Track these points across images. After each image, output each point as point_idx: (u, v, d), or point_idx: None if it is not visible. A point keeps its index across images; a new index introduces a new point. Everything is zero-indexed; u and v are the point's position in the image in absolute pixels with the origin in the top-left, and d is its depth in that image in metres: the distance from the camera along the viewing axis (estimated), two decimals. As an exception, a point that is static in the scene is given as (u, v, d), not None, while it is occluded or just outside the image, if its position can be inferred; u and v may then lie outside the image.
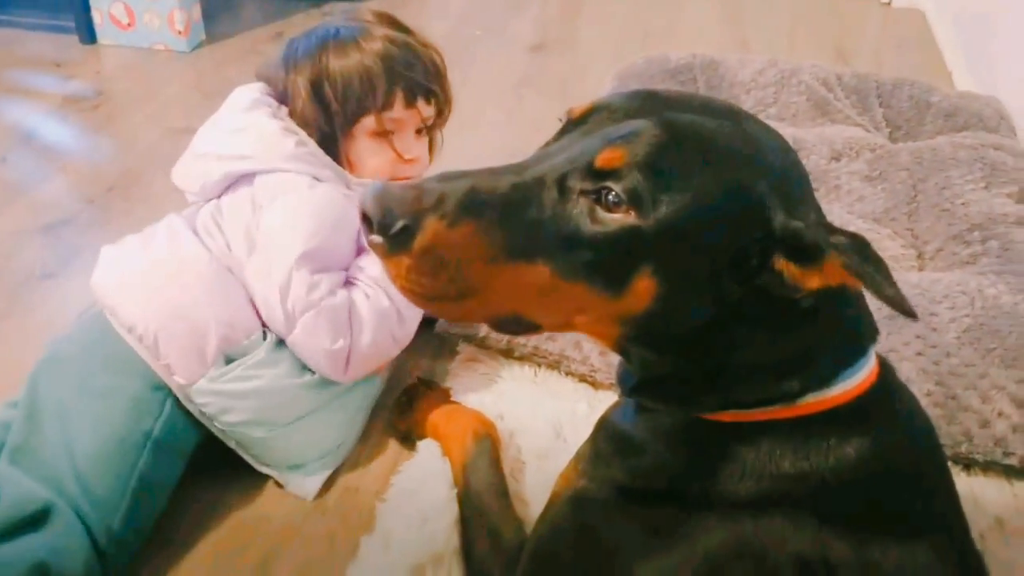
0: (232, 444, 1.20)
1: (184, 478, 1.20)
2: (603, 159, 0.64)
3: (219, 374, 1.16)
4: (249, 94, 1.30)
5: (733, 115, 0.72)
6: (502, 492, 1.11)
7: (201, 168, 1.27)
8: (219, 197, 1.26)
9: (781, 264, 0.66)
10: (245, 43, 2.74)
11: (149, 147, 2.17)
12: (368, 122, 1.26)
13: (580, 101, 0.74)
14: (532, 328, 0.71)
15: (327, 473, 1.24)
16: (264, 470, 1.22)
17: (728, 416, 0.74)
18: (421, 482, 1.16)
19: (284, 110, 1.28)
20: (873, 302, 0.69)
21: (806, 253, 0.65)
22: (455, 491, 1.13)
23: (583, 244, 0.64)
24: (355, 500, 1.24)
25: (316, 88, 1.25)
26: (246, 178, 1.23)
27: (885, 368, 0.77)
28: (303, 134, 1.25)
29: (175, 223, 1.26)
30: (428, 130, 1.35)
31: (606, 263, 0.65)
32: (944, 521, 0.76)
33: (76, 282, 1.65)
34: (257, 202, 1.21)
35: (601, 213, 0.64)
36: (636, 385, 0.79)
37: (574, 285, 0.66)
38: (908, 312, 0.61)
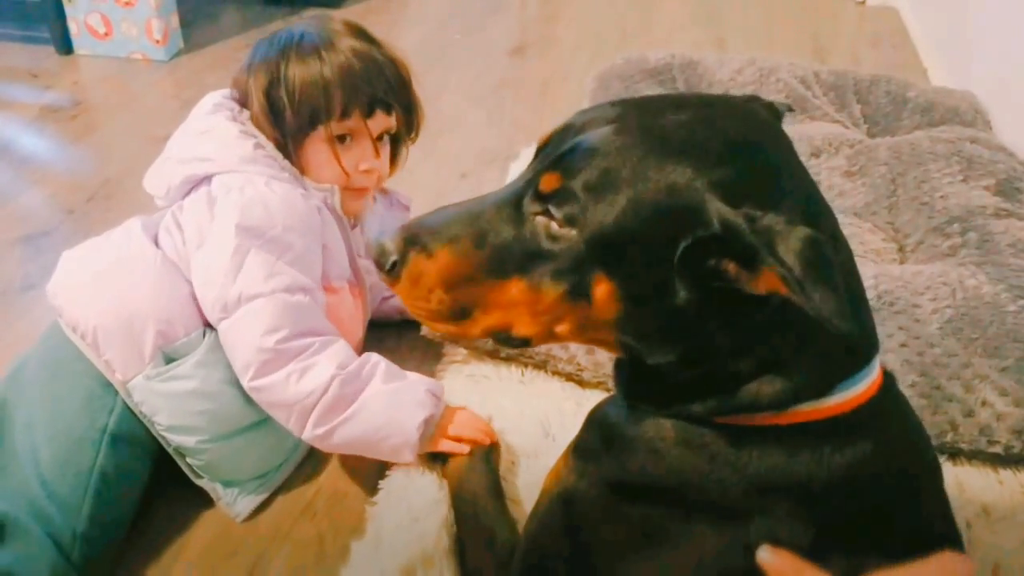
0: (170, 450, 1.18)
1: (171, 482, 1.19)
2: (543, 183, 0.71)
3: (155, 372, 1.14)
4: (212, 98, 1.29)
5: (701, 110, 0.72)
6: (497, 492, 1.11)
7: (165, 172, 1.26)
8: (183, 199, 1.25)
9: (728, 265, 0.65)
10: (224, 51, 2.73)
11: (128, 156, 2.16)
12: (322, 130, 1.23)
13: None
14: (524, 342, 0.77)
15: (264, 495, 1.23)
16: (198, 482, 1.20)
17: (719, 419, 0.73)
18: (409, 484, 1.16)
19: (246, 114, 1.26)
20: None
21: (748, 255, 0.63)
22: (443, 492, 1.13)
23: (544, 258, 0.71)
24: (344, 503, 1.23)
25: (271, 93, 1.22)
26: (207, 180, 1.22)
27: (888, 381, 0.76)
28: (262, 137, 1.23)
29: (132, 224, 1.26)
30: (392, 141, 1.33)
31: (565, 272, 0.71)
32: (933, 533, 0.76)
33: (57, 293, 1.64)
34: (213, 198, 1.20)
35: (553, 229, 0.70)
36: (631, 388, 0.80)
37: (546, 296, 0.72)
38: (840, 328, 0.59)
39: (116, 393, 1.15)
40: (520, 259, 0.73)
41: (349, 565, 1.08)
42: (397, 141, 1.34)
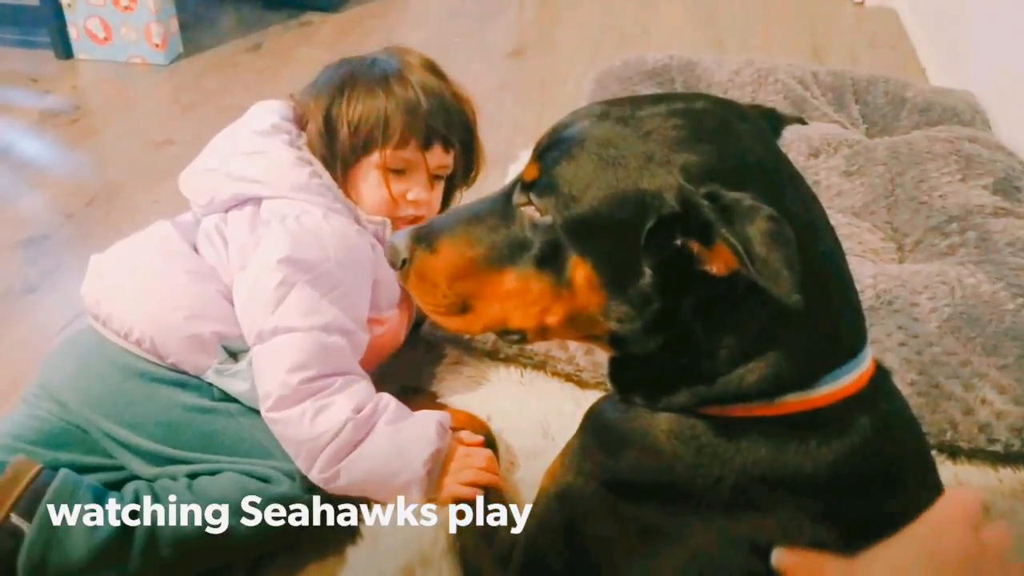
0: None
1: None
2: (526, 174, 0.76)
3: (224, 368, 1.15)
4: (269, 117, 1.26)
5: (679, 103, 0.73)
6: (497, 490, 1.11)
7: (211, 183, 1.24)
8: (226, 211, 1.25)
9: (692, 244, 0.67)
10: (223, 55, 2.74)
11: (128, 161, 2.16)
12: (378, 156, 1.21)
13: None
14: (522, 337, 0.80)
15: None
16: None
17: (710, 411, 0.74)
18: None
19: (304, 138, 1.25)
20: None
21: (705, 230, 0.65)
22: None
23: (529, 246, 0.75)
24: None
25: (330, 112, 1.22)
26: (254, 200, 1.22)
27: (880, 374, 0.77)
28: (318, 164, 1.22)
29: (165, 228, 1.26)
30: (448, 181, 1.31)
31: (546, 259, 0.74)
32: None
33: (57, 296, 1.65)
34: (261, 221, 1.19)
35: (535, 217, 0.74)
36: (622, 380, 0.80)
37: (533, 284, 0.76)
38: (788, 303, 0.60)
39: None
40: (510, 250, 0.76)
41: (347, 566, 1.08)
42: (451, 183, 1.33)
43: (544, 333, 0.79)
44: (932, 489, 0.78)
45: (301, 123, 1.27)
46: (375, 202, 1.24)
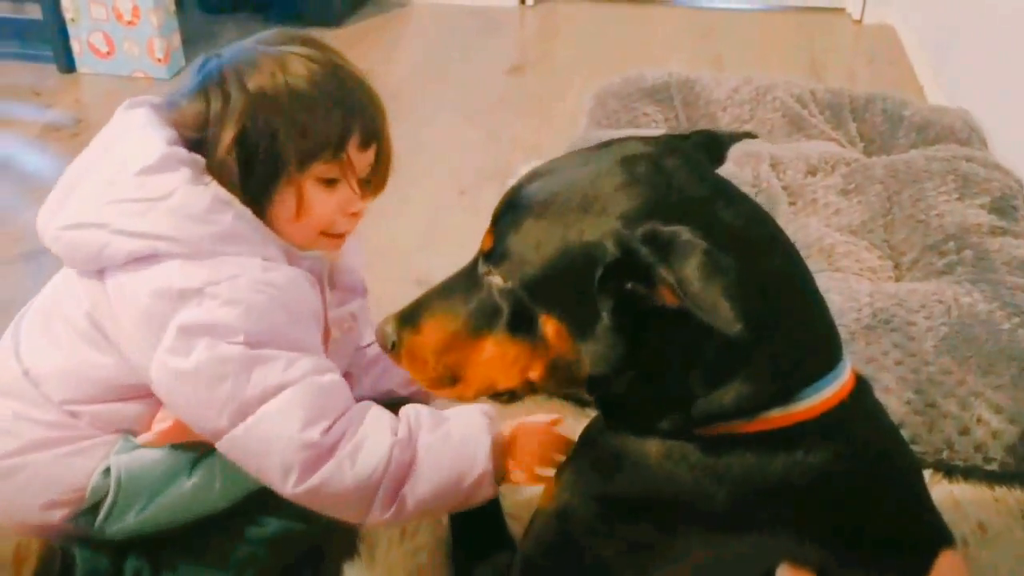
0: None
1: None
2: (484, 243, 0.80)
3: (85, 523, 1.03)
4: (155, 145, 0.98)
5: (611, 155, 0.77)
6: (495, 508, 1.11)
7: (90, 239, 0.96)
8: (100, 273, 0.98)
9: (638, 286, 0.69)
10: (224, 69, 2.75)
11: (129, 174, 2.16)
12: (319, 167, 1.00)
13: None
14: (511, 395, 0.83)
15: None
16: None
17: (696, 430, 0.75)
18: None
19: (202, 163, 0.98)
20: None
21: (647, 272, 0.68)
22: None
23: (500, 312, 0.78)
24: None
25: (248, 129, 0.97)
26: (157, 257, 0.94)
27: (860, 385, 0.78)
28: (237, 203, 0.97)
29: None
30: (366, 188, 1.06)
31: (517, 320, 0.77)
32: (921, 532, 0.77)
33: (57, 310, 1.64)
34: (178, 293, 0.93)
35: (499, 284, 0.78)
36: (611, 415, 0.82)
37: (510, 347, 0.78)
38: (727, 333, 0.63)
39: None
40: (485, 318, 0.79)
41: (343, 585, 1.08)
42: (368, 188, 1.08)
43: (531, 388, 0.82)
44: (919, 497, 0.79)
45: (186, 143, 1.00)
46: (307, 229, 1.03)
